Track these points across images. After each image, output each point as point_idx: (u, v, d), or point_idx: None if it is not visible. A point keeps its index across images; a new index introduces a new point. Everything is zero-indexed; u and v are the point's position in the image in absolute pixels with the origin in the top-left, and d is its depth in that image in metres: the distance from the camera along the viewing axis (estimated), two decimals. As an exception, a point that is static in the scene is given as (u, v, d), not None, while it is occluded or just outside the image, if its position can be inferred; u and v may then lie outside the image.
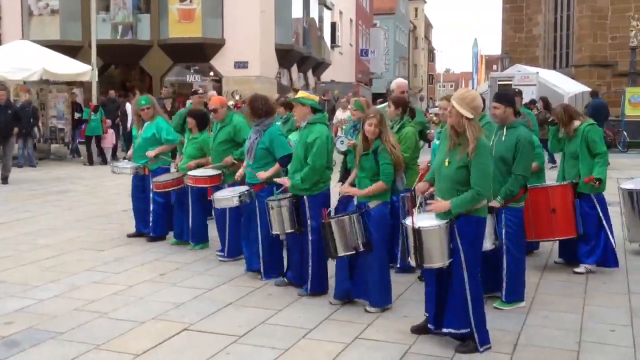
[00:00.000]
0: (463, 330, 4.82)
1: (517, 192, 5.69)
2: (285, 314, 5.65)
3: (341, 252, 5.58)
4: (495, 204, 5.57)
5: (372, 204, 5.60)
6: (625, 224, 8.02)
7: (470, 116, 4.63)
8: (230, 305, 5.87)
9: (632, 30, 27.87)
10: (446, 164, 4.77)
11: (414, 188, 5.40)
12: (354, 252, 5.57)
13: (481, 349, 4.80)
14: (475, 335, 4.79)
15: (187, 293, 6.22)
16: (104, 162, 17.85)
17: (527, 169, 5.70)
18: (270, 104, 6.77)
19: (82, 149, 19.69)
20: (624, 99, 23.76)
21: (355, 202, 5.78)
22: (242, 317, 5.54)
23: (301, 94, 6.26)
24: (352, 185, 5.91)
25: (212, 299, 6.04)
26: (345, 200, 6.34)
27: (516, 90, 14.24)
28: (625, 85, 27.45)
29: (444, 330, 4.90)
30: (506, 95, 6.08)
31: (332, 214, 5.88)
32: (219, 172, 7.48)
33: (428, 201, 5.02)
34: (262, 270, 6.65)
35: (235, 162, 7.30)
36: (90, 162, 18.07)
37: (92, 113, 18.09)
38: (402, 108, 6.88)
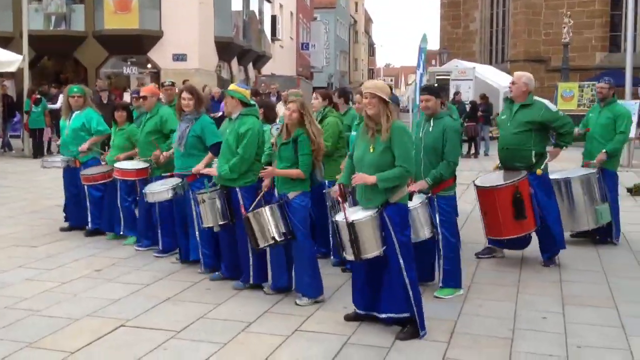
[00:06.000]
0: (403, 315, 4.91)
1: (447, 177, 5.85)
2: (224, 308, 5.60)
3: (262, 244, 5.57)
4: (423, 183, 5.77)
5: (292, 195, 5.58)
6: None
7: (389, 100, 4.85)
8: (168, 301, 5.79)
9: (564, 27, 28.71)
10: (371, 149, 4.88)
11: (341, 183, 5.36)
12: (273, 242, 5.55)
13: (421, 333, 4.89)
14: (417, 319, 4.88)
15: (123, 289, 6.10)
16: (40, 154, 17.32)
17: (456, 155, 5.90)
18: (202, 94, 6.84)
19: (15, 142, 19.08)
20: (556, 93, 24.42)
21: (277, 194, 5.75)
22: (180, 312, 5.47)
23: (232, 87, 6.25)
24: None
25: (149, 295, 5.95)
26: (270, 192, 6.20)
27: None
28: (558, 80, 28.25)
29: (383, 315, 4.97)
30: (436, 88, 6.33)
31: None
32: (146, 165, 7.39)
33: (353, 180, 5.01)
34: (202, 262, 6.60)
35: (164, 156, 7.21)
36: (36, 154, 17.45)
37: (33, 105, 17.49)
38: (328, 100, 7.19)
